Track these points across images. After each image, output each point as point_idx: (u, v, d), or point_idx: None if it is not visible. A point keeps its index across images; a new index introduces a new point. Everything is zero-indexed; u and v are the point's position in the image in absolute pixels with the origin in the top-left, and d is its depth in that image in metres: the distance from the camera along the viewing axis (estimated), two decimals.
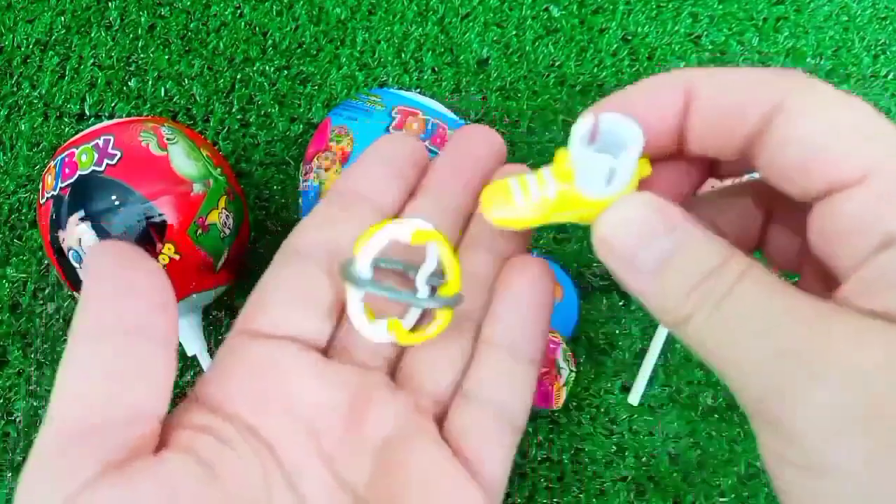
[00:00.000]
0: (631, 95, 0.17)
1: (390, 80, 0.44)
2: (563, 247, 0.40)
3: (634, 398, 0.38)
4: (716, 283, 0.15)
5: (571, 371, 0.35)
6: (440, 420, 0.20)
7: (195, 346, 0.36)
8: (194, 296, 0.34)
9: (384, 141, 0.23)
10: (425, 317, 0.21)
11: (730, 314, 0.15)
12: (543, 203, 0.18)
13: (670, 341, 0.39)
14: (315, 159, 0.34)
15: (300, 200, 0.36)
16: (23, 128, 0.43)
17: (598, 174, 0.17)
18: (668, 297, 0.16)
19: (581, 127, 0.17)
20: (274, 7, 0.45)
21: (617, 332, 0.39)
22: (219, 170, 0.36)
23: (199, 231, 0.33)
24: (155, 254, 0.32)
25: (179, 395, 0.38)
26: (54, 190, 0.33)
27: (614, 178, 0.17)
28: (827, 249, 0.16)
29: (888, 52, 0.45)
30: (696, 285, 0.16)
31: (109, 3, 0.45)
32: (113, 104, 0.43)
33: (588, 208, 0.18)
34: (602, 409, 0.38)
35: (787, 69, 0.17)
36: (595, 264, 0.40)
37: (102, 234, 0.32)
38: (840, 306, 0.15)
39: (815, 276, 0.18)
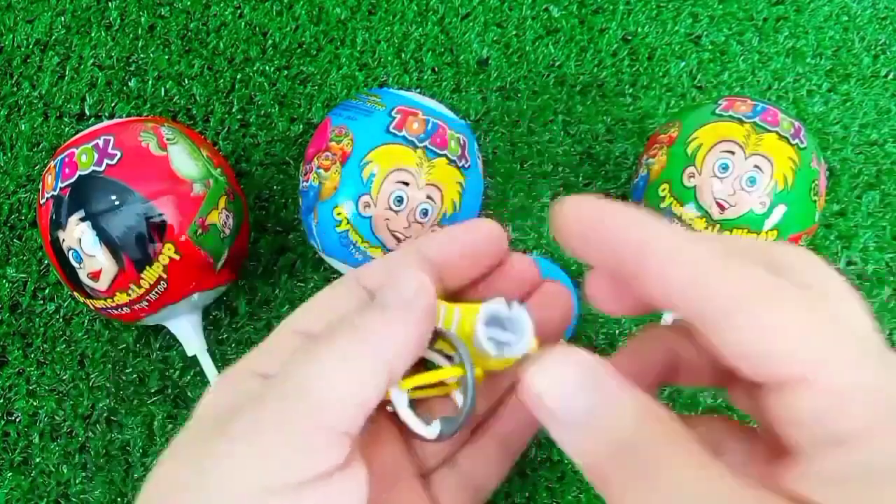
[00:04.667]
0: (592, 234, 0.18)
1: (390, 80, 0.44)
2: None
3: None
4: (634, 455, 0.16)
5: None
6: (427, 475, 0.24)
7: (195, 346, 0.36)
8: (194, 296, 0.34)
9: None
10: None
11: (649, 497, 0.15)
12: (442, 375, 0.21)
13: None
14: (315, 159, 0.34)
15: (300, 200, 0.36)
16: (23, 128, 0.43)
17: (491, 349, 0.20)
18: (587, 460, 0.17)
19: (484, 316, 0.20)
20: (274, 7, 0.45)
21: (617, 332, 0.39)
22: (219, 170, 0.36)
23: (199, 231, 0.33)
24: (155, 253, 0.32)
25: (179, 394, 0.38)
26: (54, 190, 0.33)
27: (508, 350, 0.20)
28: (779, 427, 0.16)
29: (888, 52, 0.45)
30: (613, 453, 0.16)
31: (109, 3, 0.45)
32: (113, 104, 0.43)
33: (491, 364, 0.21)
34: None
35: (745, 259, 0.17)
36: None
37: (102, 234, 0.32)
38: (768, 492, 0.15)
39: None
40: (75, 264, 0.33)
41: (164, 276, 0.33)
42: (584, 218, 0.18)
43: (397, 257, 0.22)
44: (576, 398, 0.17)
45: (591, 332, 0.39)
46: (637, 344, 0.21)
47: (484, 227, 0.22)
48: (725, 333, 0.16)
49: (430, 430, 0.20)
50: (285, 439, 0.17)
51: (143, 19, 0.45)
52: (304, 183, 0.35)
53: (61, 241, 0.33)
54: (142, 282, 0.33)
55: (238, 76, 0.44)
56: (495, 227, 0.22)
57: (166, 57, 0.44)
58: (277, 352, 0.20)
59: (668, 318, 0.38)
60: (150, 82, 0.44)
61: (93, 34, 0.45)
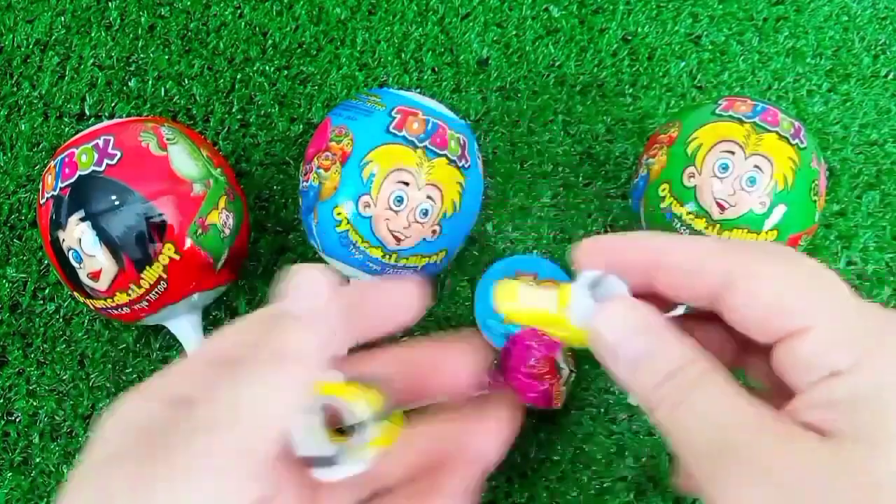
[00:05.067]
0: (611, 253, 0.22)
1: (390, 80, 0.44)
2: (563, 246, 0.40)
3: (634, 398, 0.38)
4: (676, 384, 0.20)
5: (572, 371, 0.35)
6: None
7: (195, 346, 0.36)
8: (194, 296, 0.34)
9: None
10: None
11: (686, 413, 0.19)
12: (544, 312, 0.23)
13: None
14: (315, 159, 0.34)
15: (300, 200, 0.36)
16: (23, 128, 0.43)
17: (586, 312, 0.22)
18: (639, 388, 0.21)
19: (585, 279, 0.22)
20: (274, 7, 0.45)
21: None
22: (219, 170, 0.36)
23: (199, 231, 0.33)
24: (155, 253, 0.32)
25: None
26: (54, 190, 0.33)
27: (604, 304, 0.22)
28: (786, 375, 0.20)
29: (888, 52, 0.45)
30: (661, 383, 0.20)
31: (109, 3, 0.45)
32: (113, 104, 0.43)
33: (570, 332, 0.22)
34: (602, 409, 0.38)
35: (741, 242, 0.21)
36: None
37: (102, 234, 0.32)
38: (782, 414, 0.19)
39: (779, 387, 0.21)
40: (75, 264, 0.33)
41: (164, 276, 0.33)
42: (604, 249, 0.22)
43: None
44: (635, 340, 0.21)
45: None
46: None
47: (405, 287, 0.23)
48: (731, 308, 0.20)
49: (327, 450, 0.20)
50: (217, 474, 0.17)
51: (143, 19, 0.45)
52: (304, 183, 0.35)
53: (61, 241, 0.33)
54: (142, 282, 0.33)
55: (238, 76, 0.44)
56: (416, 288, 0.22)
57: (166, 57, 0.44)
58: (191, 377, 0.20)
59: (678, 310, 0.37)
60: (150, 82, 0.44)
61: (93, 34, 0.45)
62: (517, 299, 0.23)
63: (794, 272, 0.20)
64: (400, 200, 0.32)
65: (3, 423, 0.38)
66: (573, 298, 0.22)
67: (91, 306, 0.35)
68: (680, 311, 0.33)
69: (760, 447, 0.18)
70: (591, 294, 0.22)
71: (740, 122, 0.34)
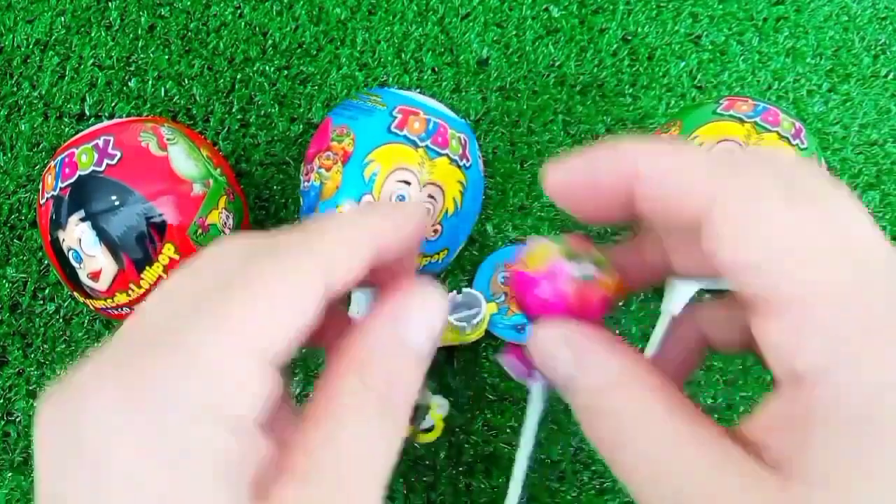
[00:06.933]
0: (587, 167, 0.18)
1: (390, 80, 0.44)
2: None
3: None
4: (606, 412, 0.17)
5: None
6: None
7: None
8: None
9: None
10: None
11: (627, 455, 0.17)
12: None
13: None
14: (316, 159, 0.34)
15: (301, 200, 0.36)
16: (23, 128, 0.43)
17: (461, 324, 0.35)
18: (576, 410, 0.18)
19: (449, 299, 0.30)
20: (274, 7, 0.45)
21: (616, 332, 0.39)
22: (219, 170, 0.35)
23: (199, 231, 0.33)
24: (155, 254, 0.32)
25: None
26: (54, 190, 0.33)
27: (471, 325, 0.35)
28: (767, 361, 0.16)
29: (888, 52, 0.45)
30: (590, 406, 0.18)
31: (109, 3, 0.45)
32: (113, 104, 0.43)
33: (462, 336, 0.36)
34: None
35: (733, 154, 0.18)
36: None
37: (102, 234, 0.32)
38: (729, 448, 0.15)
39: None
40: (75, 264, 0.33)
41: (165, 276, 0.33)
42: (574, 171, 0.19)
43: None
44: (561, 355, 0.18)
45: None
46: (671, 334, 0.22)
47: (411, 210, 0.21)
48: (706, 238, 0.16)
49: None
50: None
51: (143, 19, 0.45)
52: (306, 183, 0.35)
53: (61, 241, 0.33)
54: (142, 282, 0.33)
55: (238, 76, 0.44)
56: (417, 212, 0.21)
57: (166, 57, 0.44)
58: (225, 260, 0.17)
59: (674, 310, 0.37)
60: (150, 82, 0.44)
61: (93, 34, 0.45)
62: None
63: (792, 217, 0.15)
64: (402, 200, 0.32)
65: (3, 423, 0.38)
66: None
67: (91, 306, 0.35)
68: (690, 292, 0.32)
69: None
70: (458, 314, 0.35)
71: (741, 121, 0.34)
